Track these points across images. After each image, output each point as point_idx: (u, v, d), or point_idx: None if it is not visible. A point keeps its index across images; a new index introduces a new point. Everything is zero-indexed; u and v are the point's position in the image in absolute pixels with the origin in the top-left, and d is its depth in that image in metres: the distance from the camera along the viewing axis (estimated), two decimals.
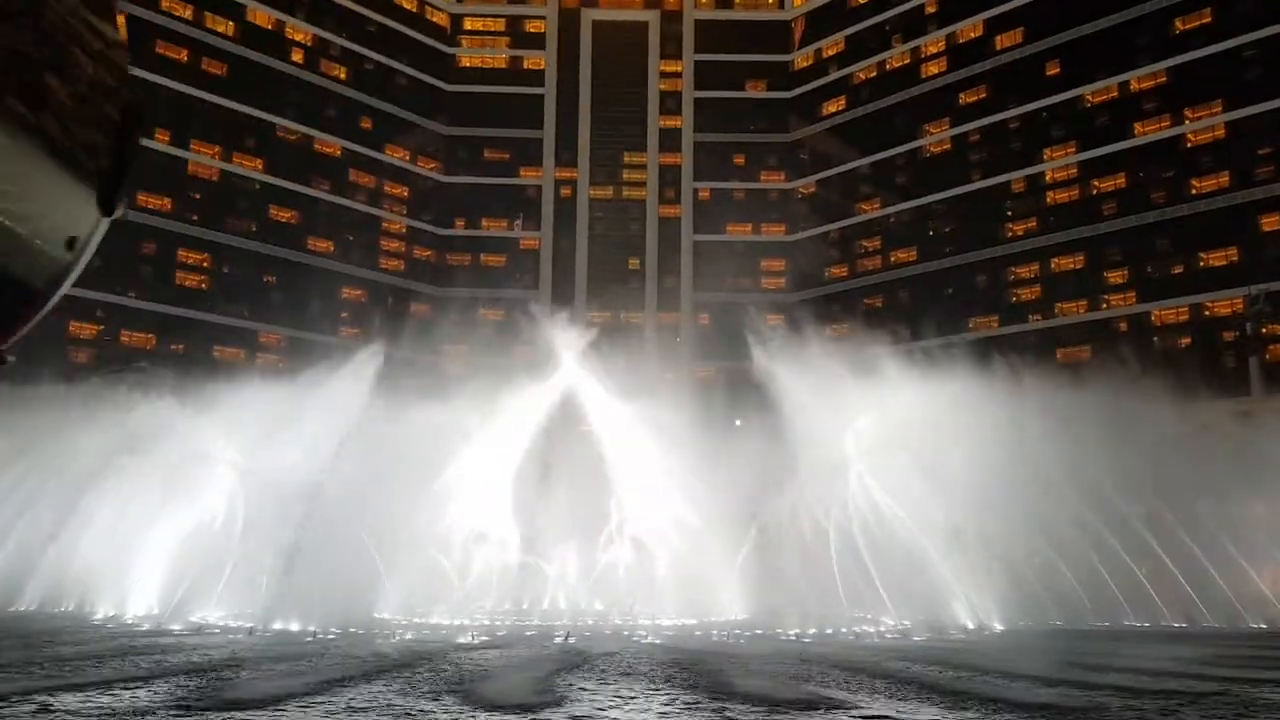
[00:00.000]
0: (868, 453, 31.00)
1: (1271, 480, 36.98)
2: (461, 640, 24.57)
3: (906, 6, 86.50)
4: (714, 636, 26.33)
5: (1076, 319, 73.45)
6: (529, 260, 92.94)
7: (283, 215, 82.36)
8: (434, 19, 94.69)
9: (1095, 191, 73.62)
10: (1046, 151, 76.71)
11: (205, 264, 77.61)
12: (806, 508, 31.04)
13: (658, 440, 33.34)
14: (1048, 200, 76.38)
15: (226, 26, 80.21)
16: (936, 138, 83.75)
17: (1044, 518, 30.37)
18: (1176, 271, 68.94)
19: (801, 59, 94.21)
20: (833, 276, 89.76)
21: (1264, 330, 61.62)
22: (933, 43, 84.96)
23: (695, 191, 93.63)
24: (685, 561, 31.57)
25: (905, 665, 19.30)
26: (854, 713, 13.55)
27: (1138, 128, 71.67)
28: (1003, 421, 30.84)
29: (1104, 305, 72.59)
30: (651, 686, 16.09)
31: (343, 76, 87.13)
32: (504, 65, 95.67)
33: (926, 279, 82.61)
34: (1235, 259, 65.92)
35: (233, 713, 13.11)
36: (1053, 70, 76.42)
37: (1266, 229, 64.72)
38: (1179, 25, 70.01)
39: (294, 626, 26.79)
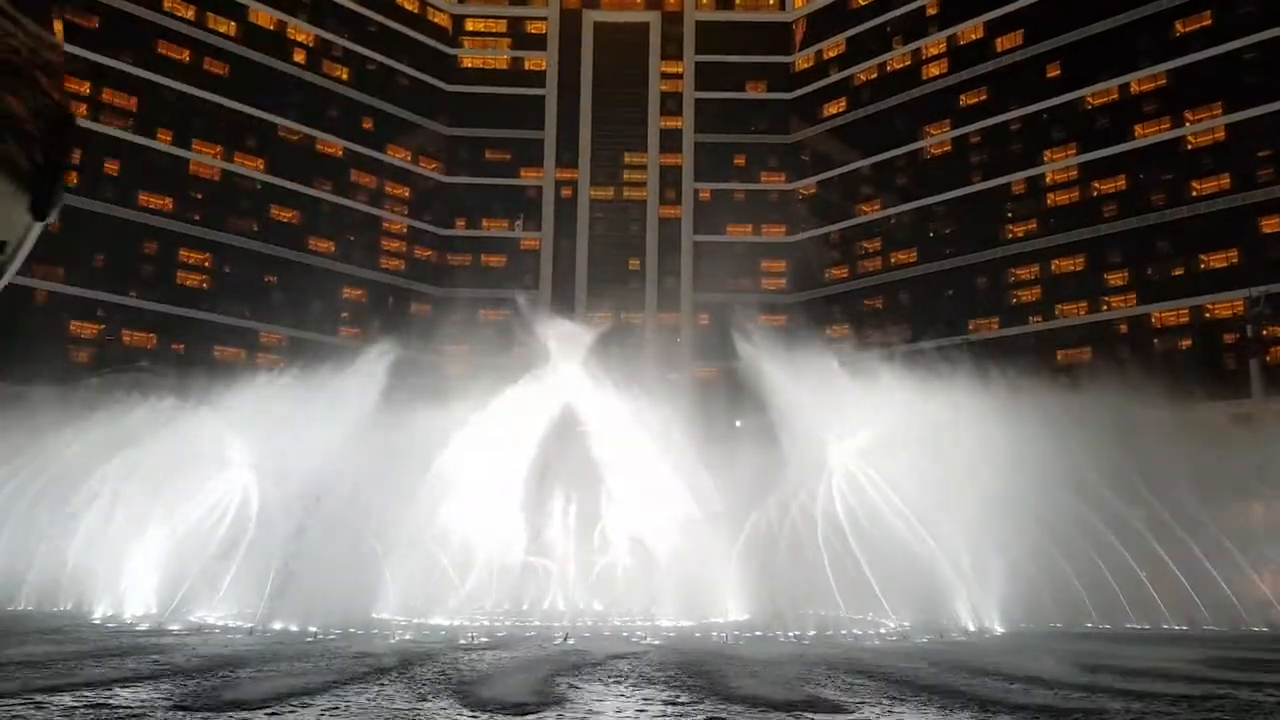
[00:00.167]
0: (863, 453, 30.93)
1: (1272, 482, 36.99)
2: (461, 641, 24.57)
3: (907, 8, 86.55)
4: (713, 638, 26.32)
5: (1077, 321, 73.45)
6: (529, 261, 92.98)
7: (284, 215, 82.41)
8: (435, 20, 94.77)
9: (1096, 193, 73.63)
10: (1047, 153, 76.72)
11: (206, 264, 77.65)
12: (800, 509, 30.98)
13: (656, 441, 33.30)
14: (1048, 202, 76.39)
15: (228, 27, 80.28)
16: (937, 139, 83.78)
17: (1044, 519, 30.33)
18: (1177, 273, 68.94)
19: (802, 60, 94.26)
20: (833, 278, 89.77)
21: (1264, 332, 61.58)
22: (934, 44, 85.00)
23: (696, 192, 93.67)
24: (685, 563, 31.54)
25: (905, 667, 19.29)
26: (853, 715, 13.54)
27: (1138, 130, 71.69)
28: (1003, 424, 30.81)
29: (1104, 307, 72.59)
30: (651, 688, 16.09)
31: (344, 77, 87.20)
32: (505, 66, 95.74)
33: (927, 280, 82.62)
34: (1235, 261, 65.91)
35: (231, 713, 13.11)
36: (1053, 72, 76.45)
37: (1267, 231, 64.72)
38: (1179, 28, 70.02)
39: (294, 627, 26.79)
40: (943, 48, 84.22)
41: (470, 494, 32.12)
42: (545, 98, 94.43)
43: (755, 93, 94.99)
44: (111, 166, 72.49)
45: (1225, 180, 66.89)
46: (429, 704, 14.13)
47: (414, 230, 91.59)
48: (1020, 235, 77.60)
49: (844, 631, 28.26)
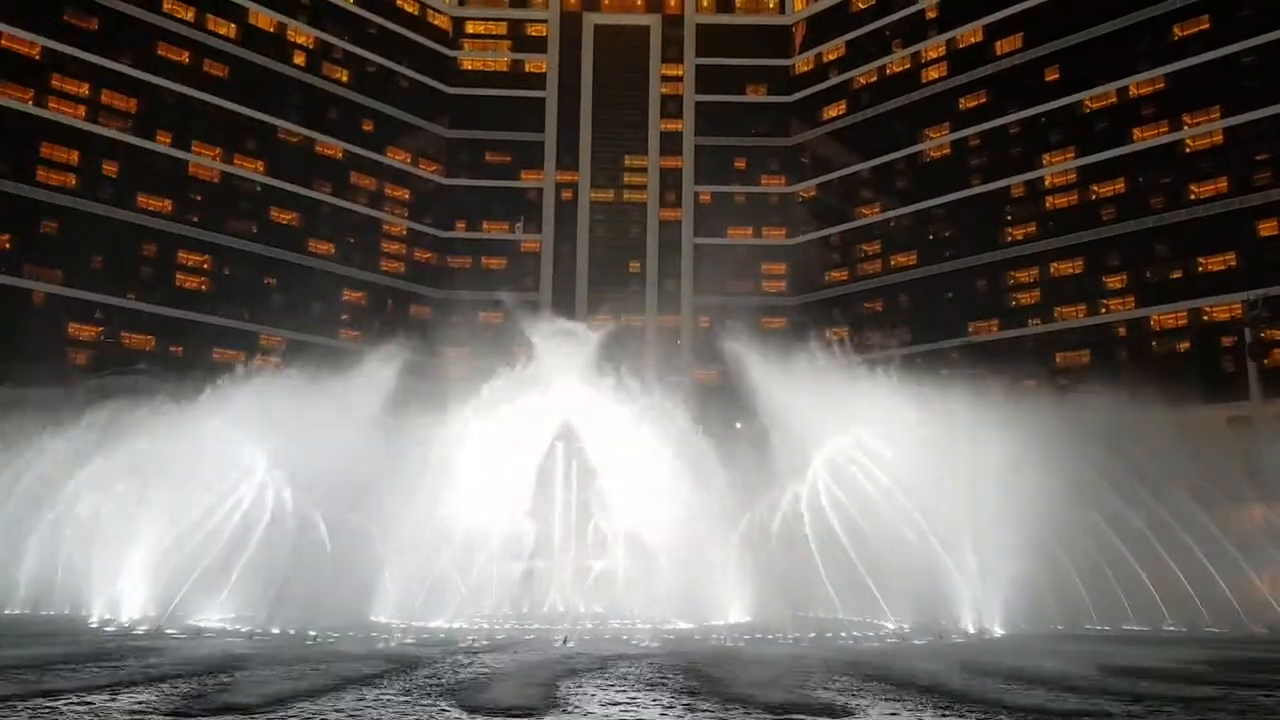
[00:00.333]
0: (862, 453, 30.89)
1: (1271, 484, 37.02)
2: (461, 644, 24.53)
3: (907, 12, 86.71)
4: (713, 640, 26.30)
5: (1076, 323, 73.51)
6: (530, 263, 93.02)
7: (284, 217, 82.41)
8: (436, 22, 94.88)
9: (1094, 196, 73.74)
10: (1046, 156, 76.84)
11: (206, 266, 77.63)
12: (797, 511, 30.95)
13: (654, 442, 33.24)
14: (1047, 205, 76.51)
15: (228, 29, 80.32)
16: (936, 142, 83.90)
17: (1044, 520, 30.30)
18: (1175, 276, 69.06)
19: (802, 63, 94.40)
20: (833, 280, 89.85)
21: (1262, 335, 61.65)
22: (933, 48, 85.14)
23: (696, 195, 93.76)
24: (686, 565, 31.51)
25: (905, 668, 19.27)
26: (853, 718, 13.53)
27: (1137, 133, 71.82)
28: (1001, 427, 30.80)
29: (1103, 310, 72.68)
30: (650, 690, 16.07)
31: (344, 79, 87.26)
32: (505, 68, 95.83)
33: (926, 283, 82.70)
34: (1233, 264, 66.03)
35: (230, 716, 13.08)
36: (1052, 76, 76.59)
37: (1265, 234, 64.84)
38: (1178, 31, 70.17)
39: (293, 630, 26.74)
40: (942, 51, 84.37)
41: (470, 496, 32.06)
42: (545, 100, 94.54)
43: (755, 95, 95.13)
44: (110, 168, 72.47)
45: (1223, 184, 67.02)
46: (428, 707, 14.11)
47: (414, 232, 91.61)
48: (1019, 238, 77.70)
49: (843, 634, 28.23)
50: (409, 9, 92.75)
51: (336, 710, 13.64)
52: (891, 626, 29.76)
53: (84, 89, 71.36)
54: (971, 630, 29.26)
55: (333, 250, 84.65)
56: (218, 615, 29.95)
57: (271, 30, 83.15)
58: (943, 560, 29.33)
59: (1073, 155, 75.25)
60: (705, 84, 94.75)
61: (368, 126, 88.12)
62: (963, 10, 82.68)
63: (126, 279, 72.61)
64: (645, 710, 14.00)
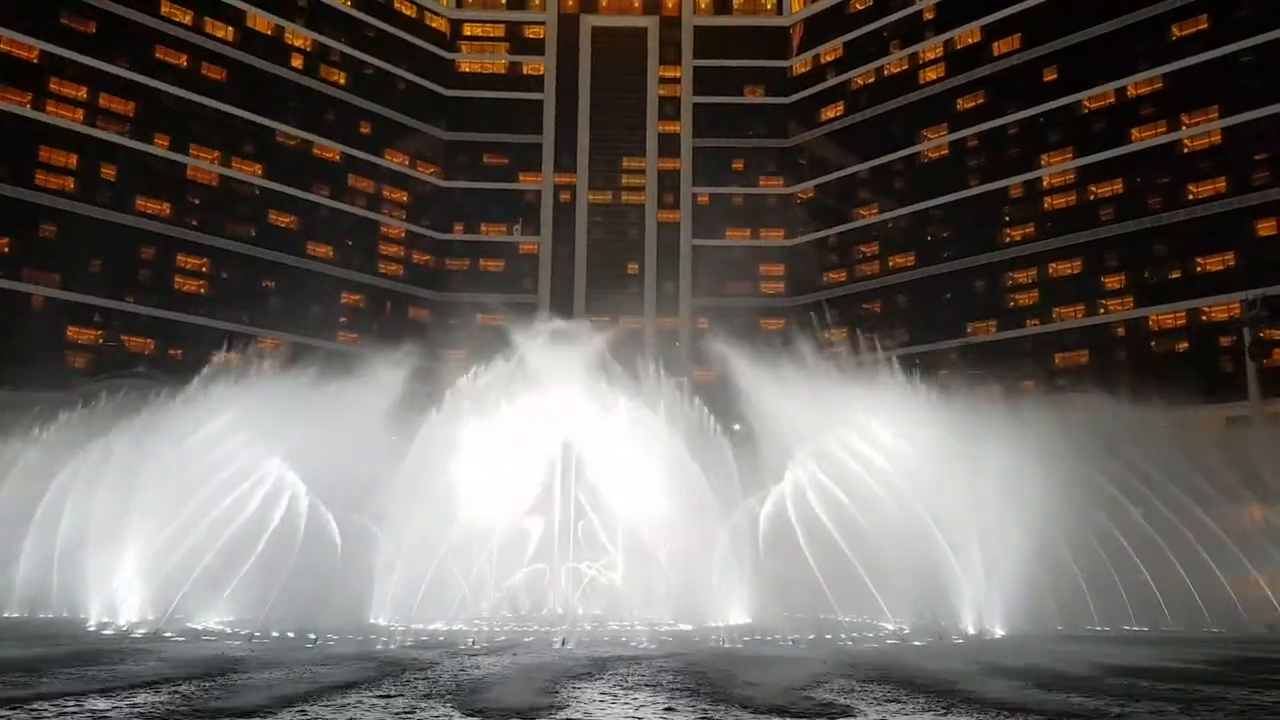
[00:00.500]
0: (854, 457, 30.85)
1: (1271, 484, 37.02)
2: (460, 646, 24.49)
3: (905, 12, 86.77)
4: (712, 641, 26.27)
5: (1074, 324, 73.52)
6: (528, 265, 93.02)
7: (282, 220, 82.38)
8: (433, 24, 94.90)
9: (1093, 197, 73.78)
10: (1044, 157, 76.88)
11: (204, 269, 77.57)
12: (791, 510, 30.89)
13: (653, 443, 33.21)
14: (1045, 206, 76.53)
15: (226, 32, 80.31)
16: (934, 143, 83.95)
17: (1044, 522, 30.29)
18: (1174, 277, 69.06)
19: (800, 64, 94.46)
20: (831, 281, 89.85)
21: (1261, 335, 61.66)
22: (931, 49, 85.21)
23: (694, 196, 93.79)
24: (685, 567, 31.47)
25: (905, 669, 19.25)
26: (853, 718, 13.51)
27: (1135, 133, 71.87)
28: (1000, 429, 30.80)
29: (1101, 310, 72.69)
30: (650, 692, 16.04)
31: (342, 82, 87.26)
32: (503, 70, 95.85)
33: (925, 284, 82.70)
34: (1232, 264, 66.05)
35: None
36: (1050, 76, 76.63)
37: (1263, 234, 64.86)
38: (1176, 31, 70.24)
39: (293, 633, 26.68)
40: (940, 52, 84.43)
41: (469, 498, 32.02)
42: (543, 102, 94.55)
43: (753, 97, 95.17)
44: (108, 171, 72.43)
45: (1222, 184, 67.06)
46: (428, 710, 14.07)
47: (412, 235, 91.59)
48: (1018, 239, 77.73)
49: (843, 635, 28.19)
50: (406, 11, 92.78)
51: (336, 714, 13.60)
52: (891, 627, 29.73)
53: (82, 92, 71.31)
54: (972, 631, 29.24)
55: (331, 253, 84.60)
56: (218, 618, 29.88)
57: (269, 33, 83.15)
58: (947, 560, 29.28)
59: (1071, 156, 75.29)
60: (703, 85, 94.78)
61: (365, 129, 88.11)
62: (960, 11, 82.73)
63: (125, 282, 72.54)
64: (643, 713, 13.96)
